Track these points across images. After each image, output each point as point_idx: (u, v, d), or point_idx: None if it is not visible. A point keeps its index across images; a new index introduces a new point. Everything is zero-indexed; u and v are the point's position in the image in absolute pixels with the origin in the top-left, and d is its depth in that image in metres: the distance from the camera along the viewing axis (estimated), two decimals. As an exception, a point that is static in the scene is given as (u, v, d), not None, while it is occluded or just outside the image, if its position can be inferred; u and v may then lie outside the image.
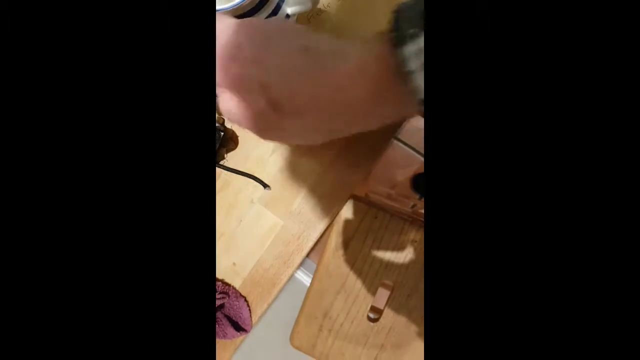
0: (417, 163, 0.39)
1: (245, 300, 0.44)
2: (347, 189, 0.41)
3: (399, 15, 0.19)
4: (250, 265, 0.43)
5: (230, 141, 0.43)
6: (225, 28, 0.22)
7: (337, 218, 0.41)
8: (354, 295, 0.41)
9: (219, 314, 0.44)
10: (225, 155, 0.43)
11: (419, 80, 0.18)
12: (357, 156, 0.40)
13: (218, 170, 0.43)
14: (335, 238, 0.41)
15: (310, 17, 0.38)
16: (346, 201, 0.41)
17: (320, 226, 0.42)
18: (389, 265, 0.40)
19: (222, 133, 0.41)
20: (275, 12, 0.34)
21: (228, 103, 0.23)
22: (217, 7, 0.29)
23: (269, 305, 0.44)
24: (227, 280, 0.44)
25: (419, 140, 0.39)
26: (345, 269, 0.41)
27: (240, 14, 0.32)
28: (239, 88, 0.22)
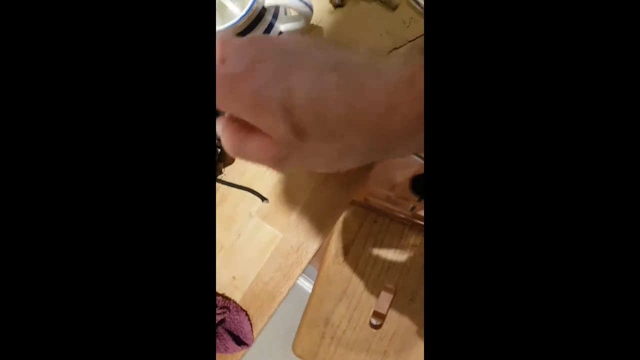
0: (415, 165, 0.40)
1: (246, 314, 0.44)
2: (344, 200, 0.41)
3: None
4: (250, 279, 0.43)
5: (228, 155, 0.43)
6: (234, 47, 0.18)
7: (336, 223, 0.42)
8: (356, 301, 0.42)
9: (220, 329, 0.44)
10: (223, 170, 0.43)
11: None
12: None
13: (216, 184, 0.43)
14: (335, 244, 0.42)
15: (303, 33, 0.38)
16: (344, 211, 0.42)
17: (319, 237, 0.42)
18: (390, 269, 0.41)
19: (220, 149, 0.41)
20: (268, 30, 0.35)
21: (234, 137, 0.19)
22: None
23: (270, 318, 0.44)
24: (228, 294, 0.44)
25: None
26: (346, 274, 0.42)
27: (235, 34, 0.33)
28: (254, 112, 0.18)
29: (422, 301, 0.40)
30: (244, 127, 0.20)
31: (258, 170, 0.43)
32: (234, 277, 0.44)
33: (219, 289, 0.44)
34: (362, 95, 0.18)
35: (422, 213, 0.44)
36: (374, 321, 0.42)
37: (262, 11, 0.32)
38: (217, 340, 0.44)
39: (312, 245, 0.42)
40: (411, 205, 0.40)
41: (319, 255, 0.43)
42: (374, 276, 0.41)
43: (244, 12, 0.30)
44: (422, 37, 0.18)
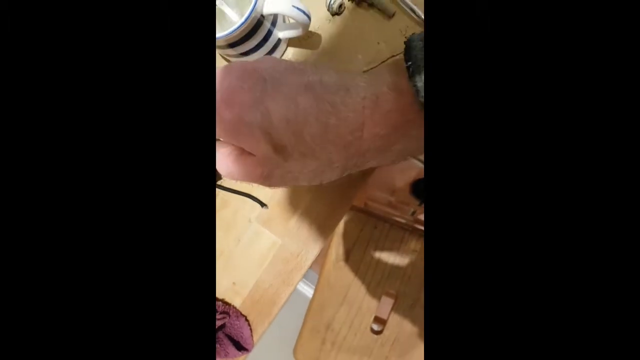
0: (415, 168, 0.40)
1: (246, 320, 0.44)
2: (344, 205, 0.41)
3: (411, 45, 0.19)
4: (250, 284, 0.43)
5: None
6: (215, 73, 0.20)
7: (336, 229, 0.42)
8: (357, 306, 0.42)
9: (220, 334, 0.44)
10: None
11: None
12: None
13: (216, 190, 0.43)
14: (335, 249, 0.42)
15: (301, 40, 0.39)
16: (343, 217, 0.42)
17: (319, 243, 0.42)
18: (390, 274, 0.41)
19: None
20: (266, 38, 0.35)
21: (224, 160, 0.21)
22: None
23: (270, 324, 0.44)
24: (227, 299, 0.44)
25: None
26: (346, 279, 0.42)
27: (233, 42, 0.33)
28: (237, 136, 0.20)
29: (423, 307, 0.40)
30: (232, 150, 0.21)
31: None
32: (234, 283, 0.44)
33: (219, 294, 0.44)
34: (333, 114, 0.19)
35: (423, 217, 0.45)
36: (375, 327, 0.42)
37: (261, 19, 0.32)
38: (218, 345, 0.44)
39: (311, 251, 0.42)
40: (412, 210, 0.40)
41: (320, 260, 0.43)
42: (375, 281, 0.41)
43: (242, 19, 0.30)
44: (396, 57, 0.19)
